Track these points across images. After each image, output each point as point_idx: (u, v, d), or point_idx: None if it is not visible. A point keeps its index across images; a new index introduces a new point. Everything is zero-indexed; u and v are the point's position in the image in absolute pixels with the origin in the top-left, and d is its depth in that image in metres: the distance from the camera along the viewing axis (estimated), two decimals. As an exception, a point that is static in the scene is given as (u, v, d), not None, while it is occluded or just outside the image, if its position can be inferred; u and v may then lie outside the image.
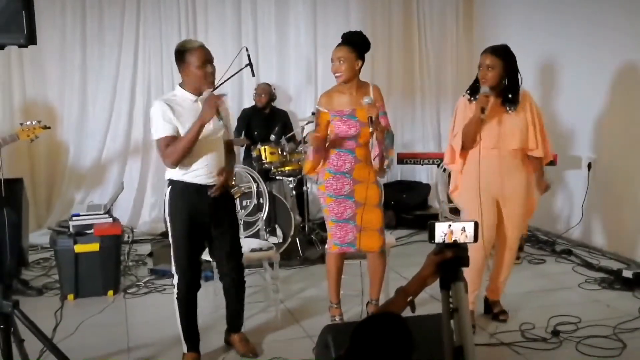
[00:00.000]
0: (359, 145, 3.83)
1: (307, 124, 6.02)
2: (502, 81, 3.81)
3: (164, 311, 4.34)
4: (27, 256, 5.20)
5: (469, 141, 3.83)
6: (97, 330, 4.09)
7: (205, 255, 3.75)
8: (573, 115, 5.93)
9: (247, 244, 4.19)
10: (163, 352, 3.76)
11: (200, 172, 3.42)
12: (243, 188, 5.16)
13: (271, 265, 4.42)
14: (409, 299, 2.06)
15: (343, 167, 3.84)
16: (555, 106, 6.11)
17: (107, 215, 4.91)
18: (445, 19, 7.54)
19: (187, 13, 6.87)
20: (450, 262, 2.07)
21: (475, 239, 2.09)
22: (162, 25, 6.84)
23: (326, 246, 4.04)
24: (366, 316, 4.02)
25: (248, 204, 5.14)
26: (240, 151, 6.67)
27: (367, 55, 3.85)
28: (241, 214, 4.93)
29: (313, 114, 6.50)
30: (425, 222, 7.15)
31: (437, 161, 6.29)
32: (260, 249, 4.19)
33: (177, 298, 3.56)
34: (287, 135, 6.10)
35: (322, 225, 6.42)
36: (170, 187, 3.48)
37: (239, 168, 5.05)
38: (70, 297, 4.64)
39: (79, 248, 4.64)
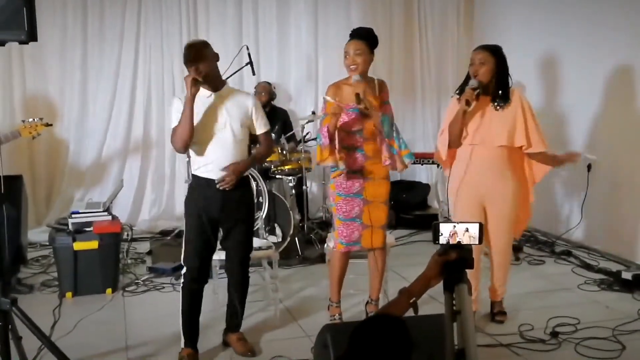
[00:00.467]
0: (366, 140, 3.81)
1: (307, 122, 6.02)
2: (492, 79, 3.82)
3: (163, 309, 4.35)
4: (26, 253, 5.20)
5: (455, 137, 3.84)
6: (95, 328, 4.09)
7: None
8: (573, 115, 5.93)
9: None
10: (161, 350, 3.75)
11: (210, 166, 3.48)
12: None
13: (270, 264, 4.41)
14: (412, 300, 2.04)
15: (354, 166, 3.83)
16: (555, 106, 6.10)
17: (106, 213, 4.90)
18: (446, 19, 7.54)
19: (188, 11, 6.86)
20: (454, 263, 2.05)
21: (480, 240, 2.07)
22: (163, 23, 6.83)
23: (331, 244, 4.05)
24: (366, 316, 4.04)
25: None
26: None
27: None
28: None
29: (313, 112, 6.52)
30: (425, 222, 7.14)
31: (437, 161, 6.28)
32: (260, 248, 4.18)
33: (182, 288, 3.63)
34: (287, 134, 6.10)
35: (321, 225, 6.44)
36: (190, 180, 3.64)
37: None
38: (69, 294, 4.64)
39: (78, 246, 4.63)
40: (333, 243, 4.01)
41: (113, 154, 6.82)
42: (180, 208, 6.59)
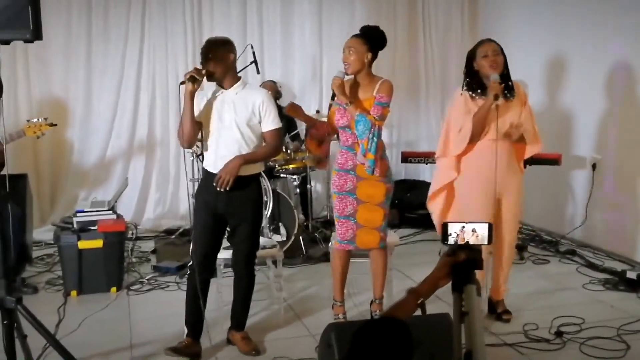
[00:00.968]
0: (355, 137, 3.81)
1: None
2: (503, 70, 3.85)
3: (167, 308, 4.36)
4: (31, 252, 5.21)
5: (479, 132, 3.82)
6: (100, 326, 4.09)
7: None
8: (578, 115, 5.91)
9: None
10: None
11: (219, 163, 3.53)
12: None
13: (274, 263, 4.42)
14: (419, 301, 2.02)
15: (346, 165, 3.85)
16: (560, 106, 6.09)
17: (111, 212, 4.92)
18: (450, 18, 7.53)
19: (192, 11, 6.87)
20: (463, 264, 2.03)
21: (489, 240, 2.06)
22: (168, 22, 6.83)
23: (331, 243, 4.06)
24: (370, 315, 4.04)
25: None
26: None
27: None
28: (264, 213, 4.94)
29: (318, 111, 6.52)
30: (429, 221, 7.12)
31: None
32: (264, 247, 4.19)
33: (187, 279, 3.69)
34: (292, 133, 6.10)
35: (325, 224, 6.45)
36: (202, 176, 3.74)
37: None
38: (74, 293, 4.65)
39: (82, 244, 4.64)
40: (332, 240, 4.03)
41: (117, 153, 6.83)
42: (184, 207, 6.63)
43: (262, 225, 4.82)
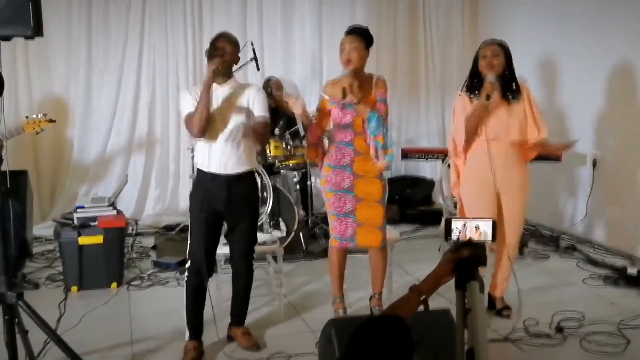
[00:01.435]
0: (357, 135, 3.80)
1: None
2: (504, 72, 3.84)
3: (167, 304, 4.37)
4: (31, 248, 5.22)
5: (472, 132, 3.83)
6: (100, 322, 4.10)
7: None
8: (578, 112, 5.91)
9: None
10: (166, 344, 3.76)
11: (214, 162, 3.51)
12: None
13: (275, 259, 4.42)
14: (422, 298, 2.01)
15: (342, 161, 3.83)
16: (560, 103, 6.09)
17: (111, 208, 4.92)
18: (451, 17, 7.52)
19: (192, 9, 6.86)
20: (466, 261, 2.01)
21: (493, 237, 2.04)
22: (168, 20, 6.83)
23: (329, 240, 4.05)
24: (370, 311, 4.04)
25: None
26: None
27: (372, 51, 3.88)
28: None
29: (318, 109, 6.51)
30: (429, 217, 7.10)
31: (442, 156, 6.28)
32: (264, 243, 4.19)
33: (186, 281, 3.64)
34: (291, 130, 6.09)
35: (325, 219, 6.40)
36: (195, 175, 3.67)
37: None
38: (74, 289, 4.65)
39: (83, 240, 4.65)
40: (330, 238, 4.01)
41: (117, 150, 6.84)
42: (184, 204, 6.63)
43: (262, 221, 4.84)
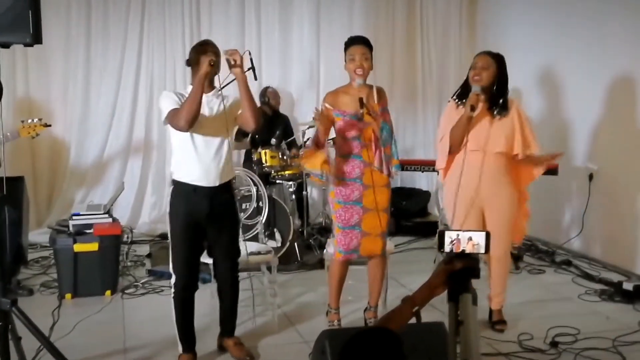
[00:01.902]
0: (364, 146, 3.80)
1: (308, 128, 6.02)
2: (493, 85, 3.83)
3: (161, 312, 4.33)
4: (26, 254, 5.19)
5: (457, 142, 3.83)
6: (94, 329, 4.09)
7: (204, 258, 3.76)
8: (574, 124, 5.93)
9: (246, 247, 4.18)
10: (159, 352, 3.75)
11: (196, 173, 3.46)
12: (243, 191, 5.17)
13: (269, 269, 4.41)
14: (415, 309, 2.01)
15: (353, 173, 3.83)
16: (556, 115, 6.11)
17: (106, 215, 4.91)
18: (449, 24, 7.55)
19: (191, 12, 6.89)
20: (459, 273, 2.00)
21: (487, 249, 2.04)
22: (167, 24, 6.85)
23: (330, 250, 4.04)
24: (364, 322, 4.03)
25: (247, 207, 5.13)
26: (240, 154, 6.67)
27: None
28: (240, 217, 4.93)
29: (314, 119, 6.51)
30: (424, 229, 7.06)
31: (437, 169, 6.28)
32: (259, 253, 4.18)
33: (173, 297, 3.58)
34: (288, 140, 6.10)
35: (320, 230, 6.44)
36: (172, 187, 3.54)
37: (239, 171, 5.05)
38: (68, 296, 4.64)
39: (78, 247, 4.64)
40: (332, 249, 4.00)
41: (114, 155, 6.84)
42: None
43: (257, 230, 4.84)
